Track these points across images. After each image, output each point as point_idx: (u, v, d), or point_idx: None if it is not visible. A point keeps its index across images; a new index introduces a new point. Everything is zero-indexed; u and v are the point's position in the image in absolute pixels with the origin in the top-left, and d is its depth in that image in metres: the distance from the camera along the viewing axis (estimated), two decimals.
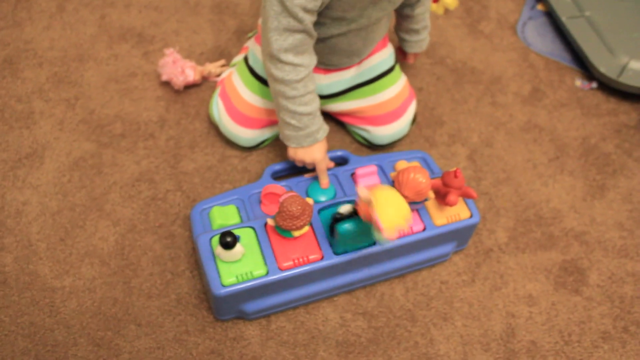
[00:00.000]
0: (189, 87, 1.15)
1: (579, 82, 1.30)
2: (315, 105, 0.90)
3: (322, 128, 0.92)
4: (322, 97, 1.03)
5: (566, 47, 1.36)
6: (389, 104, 1.04)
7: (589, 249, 1.04)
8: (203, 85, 1.16)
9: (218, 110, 1.05)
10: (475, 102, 1.21)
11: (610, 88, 1.28)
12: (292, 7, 0.79)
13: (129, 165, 1.05)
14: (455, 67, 1.26)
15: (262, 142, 1.07)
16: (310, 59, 0.87)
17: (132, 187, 1.02)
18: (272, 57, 0.85)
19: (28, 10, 1.28)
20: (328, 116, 1.12)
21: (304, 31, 0.83)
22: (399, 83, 1.06)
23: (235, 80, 1.03)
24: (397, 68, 1.08)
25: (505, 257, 1.01)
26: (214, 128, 1.10)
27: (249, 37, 1.12)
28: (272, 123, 1.04)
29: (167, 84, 1.15)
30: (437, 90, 1.21)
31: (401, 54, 1.17)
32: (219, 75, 1.17)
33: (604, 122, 1.23)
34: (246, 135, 1.03)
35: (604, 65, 1.26)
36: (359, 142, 1.12)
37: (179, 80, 1.10)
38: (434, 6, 1.35)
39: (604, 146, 1.19)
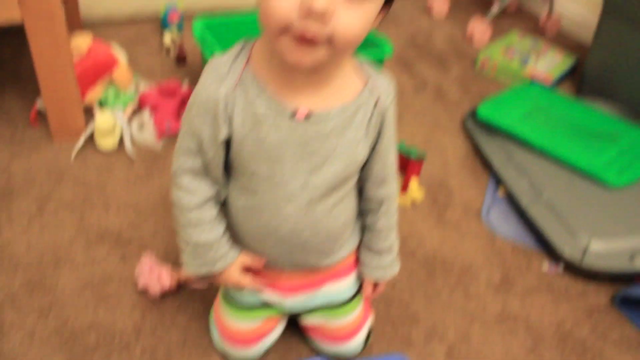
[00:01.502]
0: (166, 293, 1.15)
1: (546, 266, 1.34)
2: (212, 235, 0.83)
3: (222, 259, 0.85)
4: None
5: (530, 231, 1.42)
6: (344, 327, 1.01)
7: None
8: (180, 292, 1.17)
9: (218, 336, 1.03)
10: (449, 295, 1.24)
11: (576, 269, 1.32)
12: (197, 127, 0.77)
13: None
14: (426, 259, 1.30)
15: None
16: (210, 188, 0.82)
17: None
18: (172, 176, 0.82)
19: (8, 211, 1.31)
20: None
21: (204, 161, 0.79)
22: (354, 312, 1.01)
23: (221, 306, 1.02)
24: (359, 296, 1.02)
25: None
26: (190, 339, 1.09)
27: None
28: (271, 330, 1.02)
29: (143, 291, 1.15)
30: (410, 286, 1.24)
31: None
32: (196, 280, 1.18)
33: (575, 305, 1.26)
34: (252, 351, 1.02)
35: (567, 248, 1.31)
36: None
37: (155, 289, 1.11)
38: (401, 199, 1.42)
39: (578, 332, 1.20)
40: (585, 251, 1.31)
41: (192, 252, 0.85)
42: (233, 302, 0.99)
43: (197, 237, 0.83)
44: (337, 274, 0.97)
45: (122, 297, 1.15)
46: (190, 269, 0.87)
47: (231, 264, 0.87)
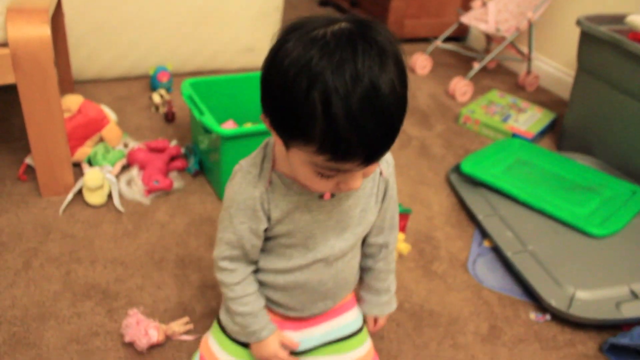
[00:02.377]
0: (152, 347, 1.14)
1: (533, 315, 1.35)
2: (256, 305, 0.94)
3: (267, 327, 0.95)
4: (292, 353, 1.03)
5: (516, 281, 1.43)
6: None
7: None
8: (166, 345, 1.15)
9: None
10: (437, 346, 1.23)
11: (563, 318, 1.33)
12: (237, 225, 0.87)
13: None
14: (414, 310, 1.31)
15: None
16: (247, 267, 0.93)
17: None
18: (214, 260, 0.93)
19: None
20: None
21: (242, 251, 0.89)
22: (365, 345, 1.05)
23: (212, 345, 1.02)
24: (365, 330, 1.07)
25: None
26: None
27: None
28: None
29: (130, 345, 1.14)
30: (398, 337, 1.24)
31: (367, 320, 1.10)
32: (183, 333, 1.17)
33: (563, 354, 1.26)
34: None
35: (553, 297, 1.32)
36: None
37: (142, 343, 1.10)
38: None
39: None
40: (571, 301, 1.32)
41: (241, 322, 0.95)
42: (230, 337, 1.01)
43: (244, 308, 0.93)
44: (343, 308, 1.05)
45: (108, 351, 1.13)
46: (242, 337, 0.97)
47: (274, 334, 0.97)
